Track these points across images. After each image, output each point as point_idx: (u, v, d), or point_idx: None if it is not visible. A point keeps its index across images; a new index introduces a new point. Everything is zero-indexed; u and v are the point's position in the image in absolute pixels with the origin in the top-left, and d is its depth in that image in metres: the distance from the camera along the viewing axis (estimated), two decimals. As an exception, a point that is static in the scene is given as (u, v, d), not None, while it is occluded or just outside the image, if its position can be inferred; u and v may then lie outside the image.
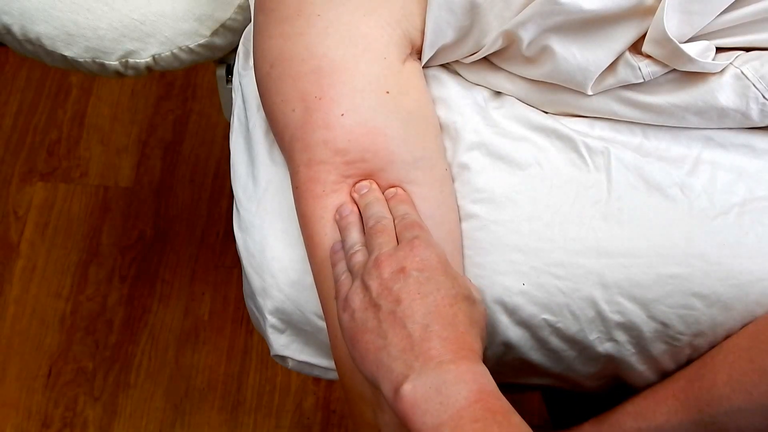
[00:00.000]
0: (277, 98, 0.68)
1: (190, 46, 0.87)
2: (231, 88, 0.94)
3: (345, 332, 0.60)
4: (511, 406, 0.54)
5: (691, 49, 0.64)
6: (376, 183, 0.66)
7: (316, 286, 0.68)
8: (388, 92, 0.67)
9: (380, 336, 0.57)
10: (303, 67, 0.67)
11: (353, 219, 0.65)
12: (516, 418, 0.53)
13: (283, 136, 0.69)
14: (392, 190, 0.67)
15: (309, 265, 0.69)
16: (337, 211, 0.66)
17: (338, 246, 0.65)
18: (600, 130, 0.71)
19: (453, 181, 0.70)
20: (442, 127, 0.72)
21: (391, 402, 0.55)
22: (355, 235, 0.64)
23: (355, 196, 0.66)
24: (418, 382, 0.54)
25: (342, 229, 0.65)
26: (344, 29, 0.67)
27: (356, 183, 0.67)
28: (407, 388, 0.54)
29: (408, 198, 0.66)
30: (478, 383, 0.54)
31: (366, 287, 0.59)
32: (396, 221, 0.64)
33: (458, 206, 0.69)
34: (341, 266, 0.64)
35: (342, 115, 0.66)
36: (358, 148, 0.66)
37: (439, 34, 0.69)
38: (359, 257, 0.62)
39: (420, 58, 0.72)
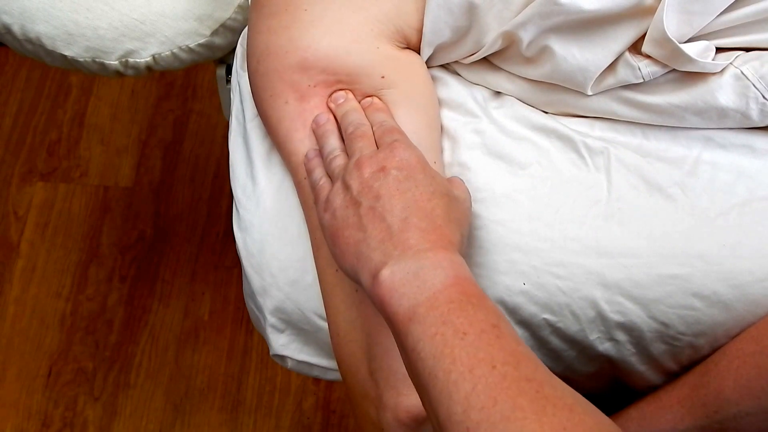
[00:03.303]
0: (266, 94, 0.69)
1: (190, 45, 0.87)
2: (230, 88, 0.94)
3: (326, 231, 0.61)
4: (484, 293, 0.55)
5: (691, 49, 0.64)
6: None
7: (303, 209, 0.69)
8: (383, 77, 0.68)
9: (360, 230, 0.58)
10: (287, 60, 0.67)
11: (331, 127, 0.67)
12: (489, 303, 0.54)
13: (277, 130, 0.69)
14: (368, 99, 0.68)
15: (308, 264, 0.69)
16: (313, 119, 0.67)
17: (313, 153, 0.66)
18: (600, 130, 0.71)
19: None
20: (442, 127, 0.72)
21: (369, 289, 0.56)
22: (333, 141, 0.66)
23: (332, 105, 0.68)
24: (396, 267, 0.55)
25: (320, 137, 0.66)
26: (331, 23, 0.67)
27: (332, 93, 0.68)
28: (385, 274, 0.55)
29: (385, 107, 0.68)
30: (455, 269, 0.55)
31: (347, 187, 0.60)
32: (375, 128, 0.65)
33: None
34: (318, 172, 0.65)
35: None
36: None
37: (437, 33, 0.69)
38: (339, 161, 0.64)
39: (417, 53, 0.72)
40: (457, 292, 0.54)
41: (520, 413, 0.47)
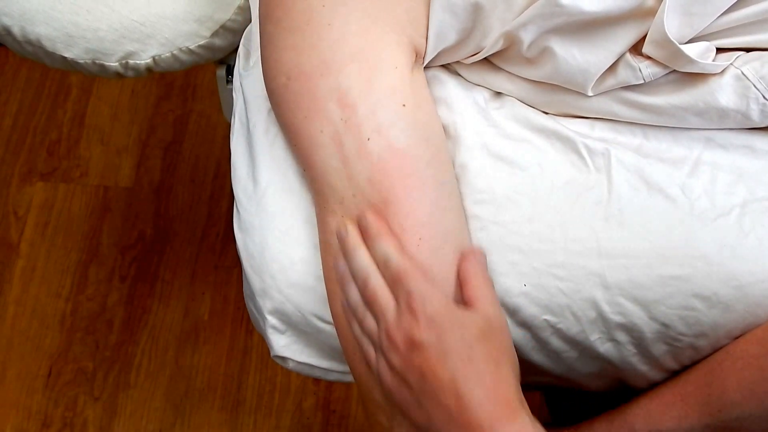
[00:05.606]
0: (300, 114, 0.66)
1: (190, 47, 0.87)
2: (231, 89, 0.94)
3: (393, 403, 0.61)
4: None
5: (692, 50, 0.64)
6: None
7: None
8: (404, 105, 0.65)
9: (422, 411, 0.58)
10: (323, 84, 0.64)
11: (348, 275, 0.64)
12: None
13: (311, 157, 0.66)
14: (363, 221, 0.64)
15: (309, 266, 0.69)
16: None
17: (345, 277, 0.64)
18: (600, 131, 0.71)
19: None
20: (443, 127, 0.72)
21: None
22: (354, 294, 0.64)
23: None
24: None
25: (339, 279, 0.65)
26: (355, 40, 0.65)
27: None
28: None
29: (383, 227, 0.62)
30: None
31: (391, 365, 0.60)
32: (381, 268, 0.62)
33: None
34: (356, 326, 0.64)
35: (368, 139, 0.63)
36: (384, 178, 0.63)
37: (441, 37, 0.68)
38: (369, 324, 0.62)
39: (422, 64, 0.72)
40: None
41: None
